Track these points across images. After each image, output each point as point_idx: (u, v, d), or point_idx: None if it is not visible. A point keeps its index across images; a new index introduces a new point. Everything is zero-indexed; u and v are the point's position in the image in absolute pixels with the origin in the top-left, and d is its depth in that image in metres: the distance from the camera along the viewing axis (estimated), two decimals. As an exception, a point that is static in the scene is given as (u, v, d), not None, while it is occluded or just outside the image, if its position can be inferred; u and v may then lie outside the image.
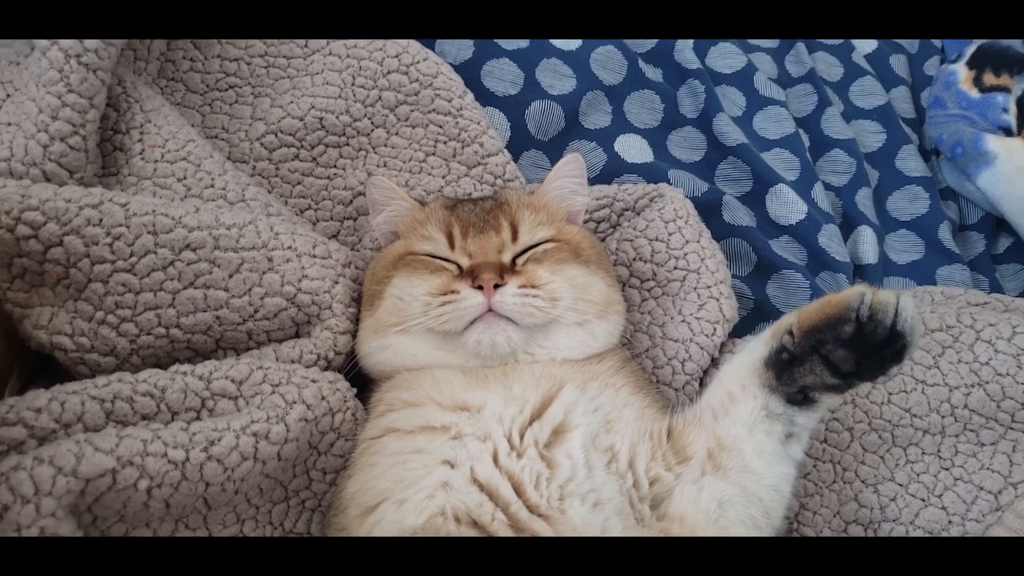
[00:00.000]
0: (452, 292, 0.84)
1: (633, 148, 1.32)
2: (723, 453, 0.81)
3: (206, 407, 0.86)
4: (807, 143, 1.45)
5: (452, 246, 0.92)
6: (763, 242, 1.25)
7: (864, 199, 1.39)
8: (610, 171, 1.29)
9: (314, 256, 0.98)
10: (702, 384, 1.06)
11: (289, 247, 0.97)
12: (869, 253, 1.33)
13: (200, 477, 0.77)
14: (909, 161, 1.46)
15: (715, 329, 1.06)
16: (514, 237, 0.93)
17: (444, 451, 0.77)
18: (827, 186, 1.39)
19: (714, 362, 1.07)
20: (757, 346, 0.82)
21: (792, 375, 0.77)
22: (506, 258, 0.91)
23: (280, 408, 0.86)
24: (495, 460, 0.76)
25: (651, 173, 1.27)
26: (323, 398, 0.89)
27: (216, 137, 1.18)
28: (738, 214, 1.28)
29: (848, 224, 1.37)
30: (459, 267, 0.90)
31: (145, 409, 0.81)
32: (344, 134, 1.18)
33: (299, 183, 1.17)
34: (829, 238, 1.28)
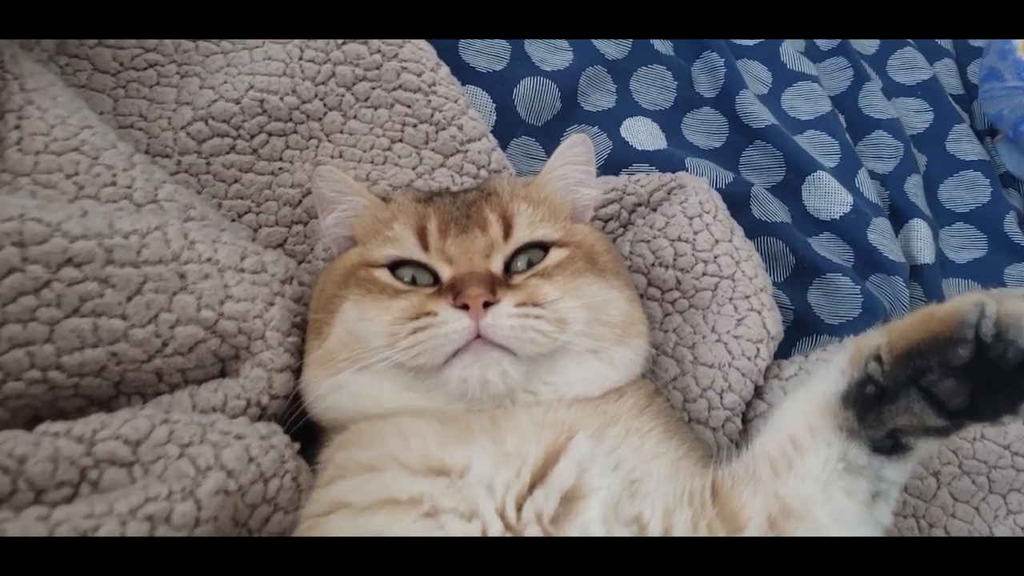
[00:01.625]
0: (427, 314, 0.67)
1: (642, 133, 1.17)
2: (789, 521, 0.64)
3: (88, 480, 0.64)
4: (844, 125, 1.27)
5: (426, 247, 0.74)
6: (801, 240, 1.09)
7: (914, 187, 1.22)
8: (616, 160, 1.14)
9: (242, 271, 0.78)
10: (744, 420, 0.85)
11: (208, 259, 0.77)
12: (924, 251, 1.16)
13: (66, 585, 0.55)
14: (963, 143, 1.28)
15: (758, 350, 0.87)
16: (506, 235, 0.75)
17: (414, 535, 0.60)
18: (871, 174, 1.23)
19: (757, 391, 0.87)
20: (830, 376, 0.66)
21: (880, 415, 0.61)
22: (496, 264, 0.74)
23: (188, 478, 0.65)
24: (483, 546, 0.57)
25: (665, 162, 1.13)
26: (251, 460, 0.69)
27: (131, 127, 0.98)
28: (770, 208, 1.12)
29: (897, 217, 1.20)
30: (434, 277, 0.73)
31: (-7, 489, 0.58)
32: (291, 119, 1.00)
33: (236, 181, 0.98)
34: (880, 234, 1.12)
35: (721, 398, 0.84)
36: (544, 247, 0.76)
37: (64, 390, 0.72)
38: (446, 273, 0.72)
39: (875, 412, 0.61)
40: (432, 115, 1.01)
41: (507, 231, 0.75)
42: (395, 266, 0.75)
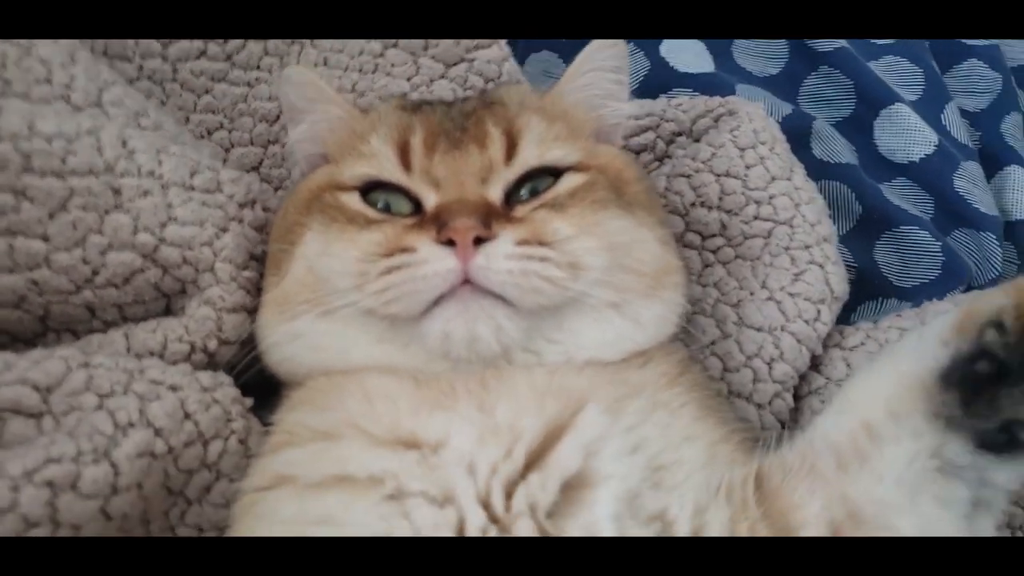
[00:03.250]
0: (404, 251, 0.56)
1: (686, 54, 1.04)
2: (859, 530, 0.53)
3: (-15, 431, 0.54)
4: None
5: (408, 166, 0.62)
6: (871, 186, 0.96)
7: (1013, 128, 1.06)
8: (654, 84, 1.01)
9: (191, 188, 0.66)
10: (796, 397, 0.72)
11: (150, 173, 0.65)
12: (1021, 204, 1.00)
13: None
14: (1075, 77, 1.10)
15: (819, 312, 0.74)
16: (509, 155, 0.62)
17: (370, 523, 0.50)
18: (960, 112, 1.07)
19: (814, 362, 0.74)
20: (924, 346, 0.53)
21: (995, 400, 0.50)
22: (494, 191, 0.61)
23: (104, 437, 0.55)
24: (460, 541, 0.50)
25: (711, 88, 0.98)
26: (187, 416, 0.60)
27: (85, 23, 0.83)
28: (834, 147, 0.99)
29: (989, 163, 1.04)
30: (416, 204, 0.61)
31: None
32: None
33: (207, 91, 0.88)
34: (970, 181, 0.96)
35: (770, 368, 0.71)
36: (556, 174, 0.62)
37: (-22, 324, 0.61)
38: (431, 200, 0.60)
39: (988, 396, 0.49)
40: (434, 16, 0.87)
41: (511, 150, 0.62)
42: (368, 189, 0.62)
